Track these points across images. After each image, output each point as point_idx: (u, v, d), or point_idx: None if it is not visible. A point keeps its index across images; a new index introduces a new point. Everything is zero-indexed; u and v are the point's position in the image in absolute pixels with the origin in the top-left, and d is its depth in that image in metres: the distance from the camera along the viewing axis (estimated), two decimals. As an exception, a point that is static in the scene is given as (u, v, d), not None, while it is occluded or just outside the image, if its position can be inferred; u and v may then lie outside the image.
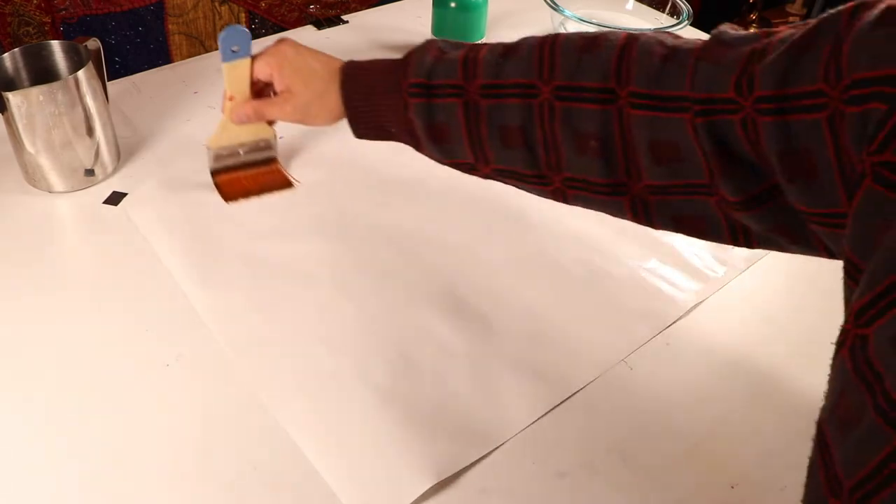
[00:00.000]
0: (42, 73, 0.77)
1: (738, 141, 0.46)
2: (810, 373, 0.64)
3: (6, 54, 0.74)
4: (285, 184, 0.76)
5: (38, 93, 0.70)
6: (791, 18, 2.24)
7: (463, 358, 0.63)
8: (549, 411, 0.59)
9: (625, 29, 1.06)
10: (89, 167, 0.77)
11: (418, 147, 0.61)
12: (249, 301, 0.67)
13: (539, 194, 0.58)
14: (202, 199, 0.77)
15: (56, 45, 0.77)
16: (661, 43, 0.52)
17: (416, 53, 0.60)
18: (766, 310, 0.71)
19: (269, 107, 0.68)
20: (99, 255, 0.71)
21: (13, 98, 0.70)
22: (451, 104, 0.57)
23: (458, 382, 0.61)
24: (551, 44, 0.55)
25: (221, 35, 0.65)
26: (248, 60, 0.66)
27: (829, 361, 0.61)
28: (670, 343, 0.66)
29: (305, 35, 1.08)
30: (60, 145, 0.74)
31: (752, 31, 0.50)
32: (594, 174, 0.53)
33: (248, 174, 0.76)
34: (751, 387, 0.63)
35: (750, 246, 0.52)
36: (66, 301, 0.66)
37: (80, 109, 0.73)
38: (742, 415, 0.61)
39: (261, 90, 0.69)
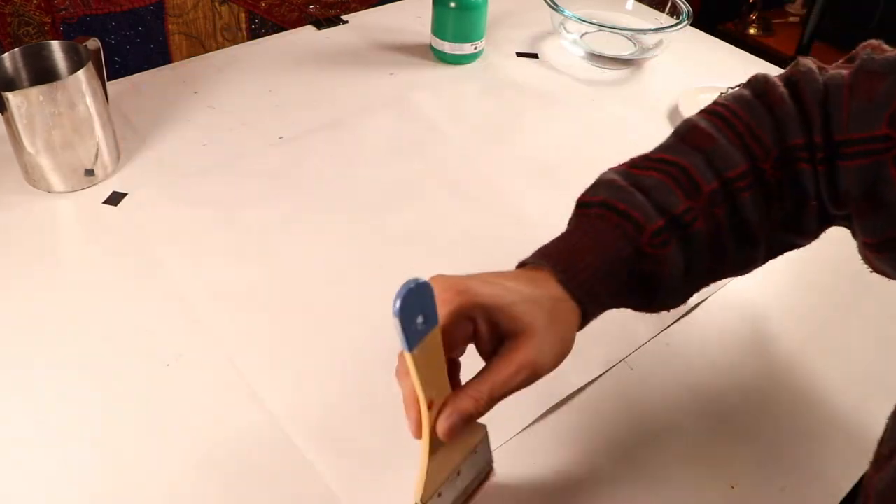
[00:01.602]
0: (42, 73, 0.77)
1: (890, 181, 0.44)
2: (810, 373, 0.64)
3: (6, 54, 0.74)
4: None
5: (38, 93, 0.70)
6: (791, 18, 2.23)
7: (463, 357, 0.63)
8: (549, 411, 0.59)
9: (625, 29, 1.07)
10: (89, 167, 0.77)
11: (645, 305, 0.51)
12: (250, 301, 0.67)
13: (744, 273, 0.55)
14: (202, 199, 0.77)
15: (56, 45, 0.77)
16: (819, 80, 0.49)
17: (624, 200, 0.47)
18: (766, 310, 0.71)
19: (498, 378, 0.42)
20: (99, 255, 0.71)
21: (13, 98, 0.70)
22: (696, 231, 0.48)
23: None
24: (734, 116, 0.50)
25: (398, 304, 0.37)
26: (438, 330, 0.41)
27: (829, 361, 0.61)
28: (670, 343, 0.66)
29: (305, 35, 1.08)
30: (60, 145, 0.74)
31: None
32: (804, 232, 0.52)
33: None
34: (751, 387, 0.63)
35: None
36: (66, 301, 0.66)
37: (80, 109, 0.73)
38: (742, 415, 0.61)
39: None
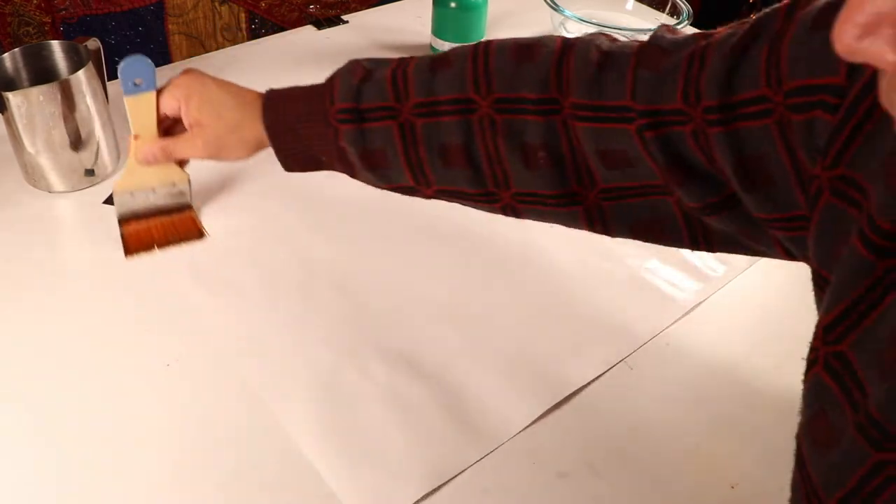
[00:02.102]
0: (42, 73, 0.77)
1: (691, 152, 0.46)
2: (810, 373, 0.64)
3: (6, 54, 0.74)
4: (195, 234, 0.71)
5: (38, 93, 0.70)
6: (791, 18, 2.23)
7: (463, 357, 0.63)
8: (549, 411, 0.59)
9: (625, 29, 1.07)
10: (89, 167, 0.77)
11: (353, 174, 0.59)
12: (250, 300, 0.67)
13: (488, 211, 0.57)
14: (201, 199, 0.77)
15: (56, 45, 0.77)
16: (598, 48, 0.51)
17: (341, 76, 0.57)
18: (766, 310, 0.71)
19: (177, 143, 0.64)
20: (98, 254, 0.71)
21: (13, 98, 0.70)
22: (385, 127, 0.54)
23: (458, 382, 0.61)
24: (484, 53, 0.53)
25: (121, 66, 0.60)
26: (152, 94, 0.62)
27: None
28: (670, 343, 0.66)
29: (305, 35, 1.08)
30: (60, 145, 0.74)
31: (690, 33, 0.49)
32: (545, 187, 0.52)
33: (157, 224, 0.70)
34: (751, 387, 0.63)
35: (710, 250, 0.52)
36: (66, 301, 0.66)
37: (80, 109, 0.73)
38: (742, 415, 0.61)
39: (169, 128, 0.65)
